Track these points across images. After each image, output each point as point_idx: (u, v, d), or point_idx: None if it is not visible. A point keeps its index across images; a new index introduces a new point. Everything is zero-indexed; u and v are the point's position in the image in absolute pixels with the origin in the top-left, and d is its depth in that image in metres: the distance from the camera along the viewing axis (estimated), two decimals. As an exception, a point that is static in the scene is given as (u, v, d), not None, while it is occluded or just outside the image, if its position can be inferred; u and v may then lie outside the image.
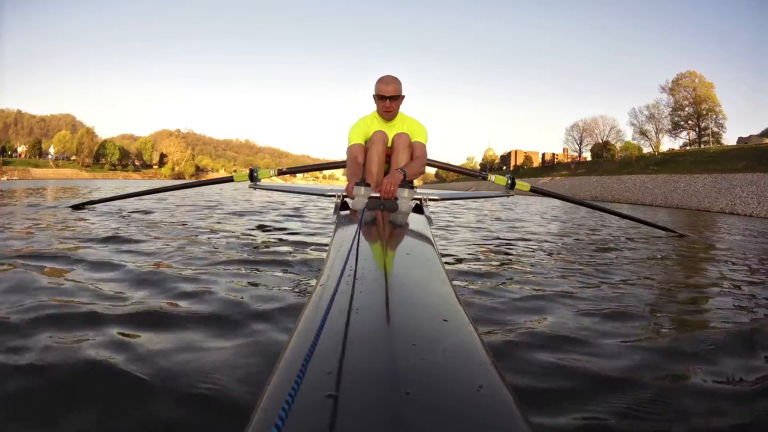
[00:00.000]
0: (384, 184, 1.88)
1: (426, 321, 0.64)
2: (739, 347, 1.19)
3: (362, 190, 1.72)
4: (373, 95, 2.36)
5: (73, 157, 62.03)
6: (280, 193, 7.02)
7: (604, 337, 1.22)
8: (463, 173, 3.26)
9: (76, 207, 4.15)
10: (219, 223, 3.55)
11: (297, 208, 5.50)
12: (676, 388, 0.95)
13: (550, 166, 50.97)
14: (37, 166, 52.69)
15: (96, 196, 6.86)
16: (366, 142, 2.40)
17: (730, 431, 0.82)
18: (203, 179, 3.74)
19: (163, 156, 78.41)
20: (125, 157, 71.04)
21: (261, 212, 4.69)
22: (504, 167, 65.33)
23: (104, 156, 64.99)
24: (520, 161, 62.41)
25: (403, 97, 2.39)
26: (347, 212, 1.85)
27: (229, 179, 3.14)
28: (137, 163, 73.64)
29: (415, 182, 2.29)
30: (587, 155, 46.53)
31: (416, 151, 2.29)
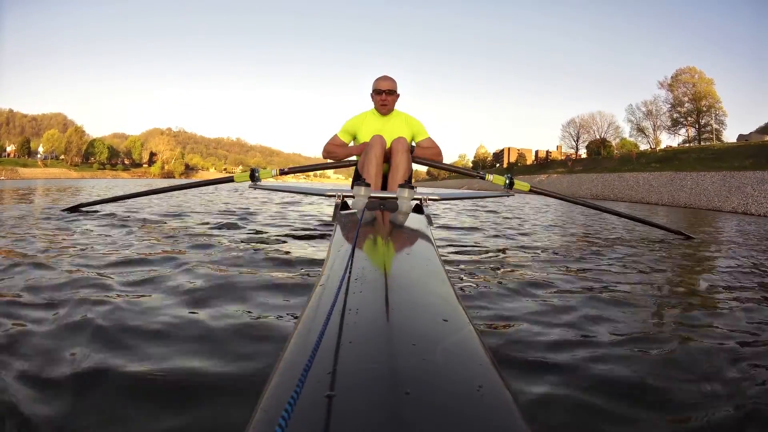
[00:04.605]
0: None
1: (426, 321, 0.64)
2: (744, 351, 1.18)
3: (362, 190, 1.72)
4: (371, 93, 2.54)
5: (62, 157, 61.21)
6: (280, 192, 6.98)
7: (605, 337, 1.22)
8: (461, 173, 3.24)
9: (70, 210, 4.01)
10: (217, 223, 3.51)
11: (296, 208, 5.48)
12: (678, 389, 0.95)
13: (544, 164, 50.85)
14: (25, 165, 51.93)
15: (85, 196, 6.78)
16: (354, 138, 2.64)
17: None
18: (203, 179, 3.67)
19: (152, 155, 77.71)
20: (114, 156, 70.27)
21: (259, 213, 4.66)
22: (497, 164, 65.50)
23: (93, 155, 64.18)
24: (513, 159, 62.59)
25: (399, 95, 2.51)
26: (347, 212, 1.85)
27: (230, 179, 3.10)
28: (126, 162, 72.85)
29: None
30: (582, 152, 46.40)
31: (430, 149, 2.65)
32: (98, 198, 4.68)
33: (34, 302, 1.33)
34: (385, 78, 2.53)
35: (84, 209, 4.04)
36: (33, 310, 1.25)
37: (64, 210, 4.01)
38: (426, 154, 2.65)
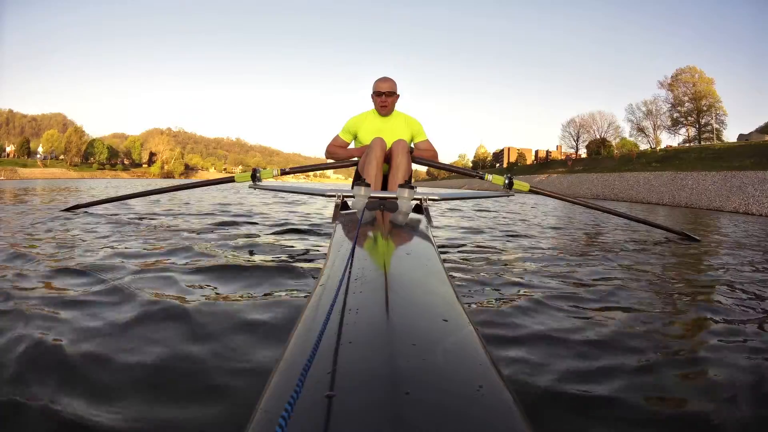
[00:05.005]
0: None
1: (426, 321, 0.64)
2: (750, 356, 1.15)
3: (362, 190, 1.72)
4: (371, 94, 2.59)
5: (62, 157, 61.16)
6: (280, 192, 6.95)
7: (606, 338, 1.22)
8: (460, 173, 3.23)
9: (68, 210, 3.99)
10: (216, 223, 3.51)
11: (296, 208, 5.48)
12: (678, 389, 0.95)
13: (544, 164, 50.57)
14: (25, 165, 51.82)
15: (84, 196, 6.77)
16: (354, 137, 2.69)
17: None
18: (203, 180, 3.65)
19: (152, 155, 77.70)
20: (114, 156, 70.17)
21: (259, 212, 4.66)
22: (497, 164, 65.52)
23: (93, 155, 64.14)
24: (512, 159, 62.56)
25: (398, 95, 2.54)
26: (347, 212, 1.85)
27: (230, 179, 3.09)
28: (126, 162, 72.80)
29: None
30: (582, 152, 46.15)
31: (428, 152, 2.68)
32: (95, 198, 4.65)
33: (30, 301, 1.33)
34: (384, 80, 2.55)
35: (83, 209, 4.01)
36: (29, 310, 1.25)
37: (63, 210, 3.99)
38: (423, 155, 2.69)
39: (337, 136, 2.70)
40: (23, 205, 5.11)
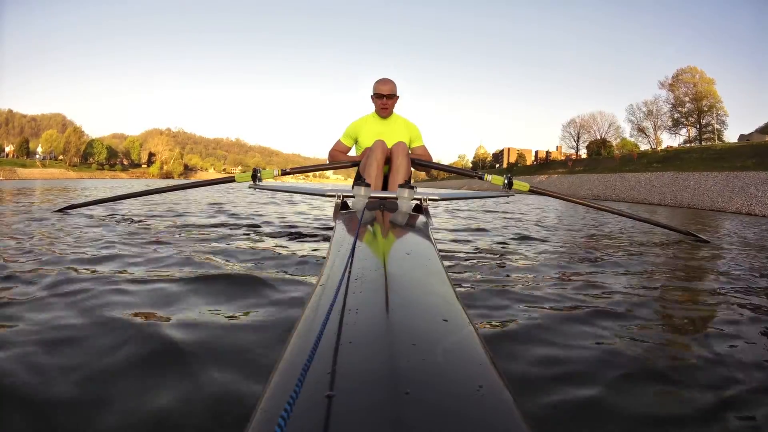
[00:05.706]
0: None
1: (426, 321, 0.64)
2: (757, 363, 1.13)
3: (362, 190, 1.72)
4: (371, 95, 2.61)
5: (61, 157, 61.18)
6: (280, 193, 6.95)
7: (607, 338, 1.22)
8: (460, 174, 3.23)
9: (60, 211, 3.88)
10: (216, 223, 3.51)
11: (296, 208, 5.48)
12: (679, 391, 0.95)
13: (544, 164, 50.49)
14: (24, 165, 51.82)
15: (82, 197, 6.75)
16: (355, 142, 2.73)
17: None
18: (203, 180, 3.63)
19: (151, 155, 77.79)
20: (113, 156, 70.22)
21: (259, 213, 4.66)
22: (497, 165, 65.64)
23: (92, 155, 64.17)
24: (512, 159, 62.64)
25: (398, 97, 2.57)
26: (347, 212, 1.85)
27: (231, 179, 3.08)
28: (125, 163, 72.84)
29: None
30: (583, 153, 46.17)
31: (423, 157, 2.69)
32: (90, 199, 4.59)
33: (25, 299, 1.33)
34: (385, 81, 2.57)
35: (78, 210, 3.92)
36: (26, 309, 1.25)
37: (56, 210, 3.88)
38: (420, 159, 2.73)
39: (339, 141, 2.75)
40: (18, 205, 5.10)
